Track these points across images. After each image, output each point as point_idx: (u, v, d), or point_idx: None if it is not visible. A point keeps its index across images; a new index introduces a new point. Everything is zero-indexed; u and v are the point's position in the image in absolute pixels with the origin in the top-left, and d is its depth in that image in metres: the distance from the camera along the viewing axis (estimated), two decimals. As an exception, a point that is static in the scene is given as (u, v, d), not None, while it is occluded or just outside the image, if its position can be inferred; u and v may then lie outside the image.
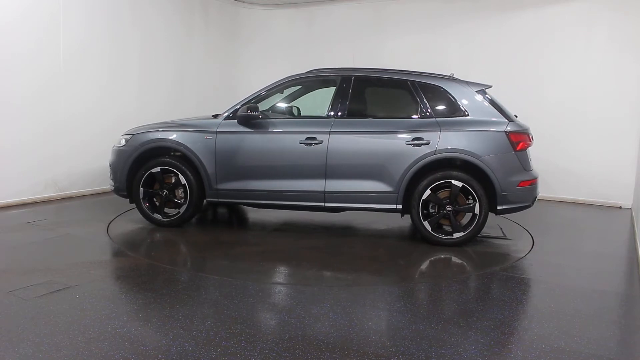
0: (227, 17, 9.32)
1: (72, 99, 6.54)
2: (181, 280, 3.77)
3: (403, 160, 4.75)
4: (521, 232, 5.54)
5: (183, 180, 5.11)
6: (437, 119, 4.83)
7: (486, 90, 5.03)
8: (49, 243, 4.59)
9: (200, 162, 5.06)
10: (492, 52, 7.86)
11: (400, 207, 4.83)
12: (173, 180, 5.16)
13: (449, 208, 4.73)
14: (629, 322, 3.34)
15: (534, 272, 4.34)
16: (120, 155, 5.27)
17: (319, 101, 5.66)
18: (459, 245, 4.77)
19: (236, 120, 5.08)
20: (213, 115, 5.45)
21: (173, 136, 5.16)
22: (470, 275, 4.13)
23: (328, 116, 5.03)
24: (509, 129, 4.72)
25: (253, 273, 3.96)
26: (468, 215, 4.82)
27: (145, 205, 5.21)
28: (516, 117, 5.10)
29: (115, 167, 5.29)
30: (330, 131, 4.89)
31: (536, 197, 4.89)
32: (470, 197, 4.75)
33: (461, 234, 4.75)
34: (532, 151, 5.00)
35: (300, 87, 5.58)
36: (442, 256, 4.57)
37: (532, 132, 4.98)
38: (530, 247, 4.99)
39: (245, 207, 6.42)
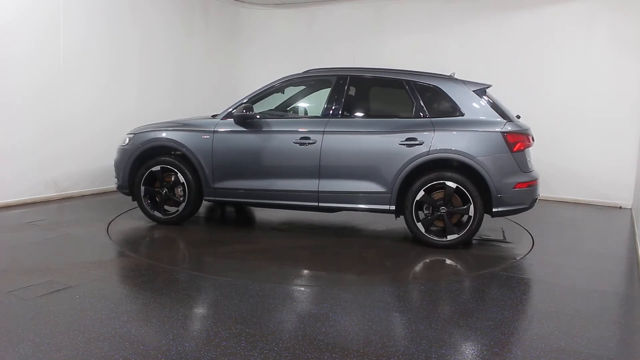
0: (227, 17, 9.32)
1: (72, 99, 6.54)
2: (181, 280, 3.77)
3: (396, 161, 4.70)
4: (521, 232, 5.54)
5: (182, 179, 5.20)
6: (431, 118, 4.76)
7: (485, 90, 4.94)
8: (49, 243, 4.59)
9: (198, 161, 5.13)
10: (492, 52, 7.86)
11: (393, 207, 4.77)
12: (172, 179, 5.26)
13: (443, 209, 4.66)
14: (629, 322, 3.34)
15: (534, 272, 4.34)
16: (123, 154, 5.41)
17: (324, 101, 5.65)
18: (453, 247, 4.70)
19: (233, 120, 5.13)
20: (212, 116, 5.49)
21: (172, 135, 5.25)
22: (470, 276, 4.13)
23: (323, 116, 5.04)
24: (505, 129, 4.62)
25: (253, 273, 3.96)
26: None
27: (146, 203, 5.32)
28: (519, 117, 5.06)
29: (118, 166, 5.44)
30: (324, 131, 4.88)
31: (535, 199, 4.79)
32: (465, 198, 4.65)
33: (455, 236, 4.67)
34: (532, 151, 4.94)
35: (304, 87, 5.60)
36: (442, 257, 4.56)
37: (533, 132, 4.90)
38: (531, 247, 4.98)
39: (253, 207, 6.43)
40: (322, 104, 5.13)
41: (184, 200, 5.23)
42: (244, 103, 5.14)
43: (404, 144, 4.69)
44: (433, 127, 4.70)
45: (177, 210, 5.27)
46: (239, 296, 3.42)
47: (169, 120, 5.78)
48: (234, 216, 6.19)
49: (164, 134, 5.29)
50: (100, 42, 6.87)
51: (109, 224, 5.30)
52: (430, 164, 4.69)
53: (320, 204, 4.95)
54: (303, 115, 5.76)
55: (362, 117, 5.19)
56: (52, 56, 6.26)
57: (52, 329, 2.82)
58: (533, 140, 4.88)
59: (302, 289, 3.65)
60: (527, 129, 4.81)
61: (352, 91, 5.16)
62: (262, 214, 6.14)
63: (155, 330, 2.87)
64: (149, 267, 3.99)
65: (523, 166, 4.67)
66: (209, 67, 8.94)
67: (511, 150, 4.59)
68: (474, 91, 4.83)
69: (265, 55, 9.45)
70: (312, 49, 9.11)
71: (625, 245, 5.26)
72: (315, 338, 2.83)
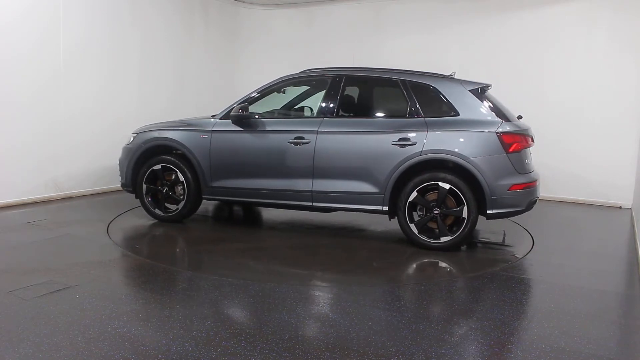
0: (227, 17, 9.32)
1: (72, 99, 6.54)
2: (181, 280, 3.77)
3: (389, 161, 4.63)
4: (521, 232, 5.54)
5: (181, 178, 5.29)
6: (426, 118, 4.67)
7: (484, 89, 4.84)
8: (49, 243, 4.59)
9: (197, 160, 5.21)
10: (493, 53, 7.85)
11: (386, 208, 4.72)
12: (173, 178, 5.36)
13: (436, 211, 4.57)
14: (629, 322, 3.34)
15: (534, 272, 4.34)
16: (127, 152, 5.54)
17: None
18: (447, 250, 4.62)
19: (230, 120, 5.16)
20: (212, 116, 5.52)
21: (172, 135, 5.35)
22: (470, 276, 4.12)
23: (318, 116, 5.04)
24: (500, 129, 4.50)
25: (253, 273, 3.96)
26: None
27: (147, 200, 5.43)
28: (520, 117, 4.99)
29: (122, 164, 5.57)
30: (317, 131, 4.87)
31: (533, 201, 4.69)
32: (459, 200, 4.53)
33: (448, 238, 4.56)
34: (532, 151, 4.92)
35: (302, 87, 5.61)
36: (442, 257, 4.55)
37: (533, 132, 4.87)
38: (531, 247, 4.98)
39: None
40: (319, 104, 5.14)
41: (184, 198, 5.31)
42: (241, 103, 5.18)
43: (396, 144, 4.64)
44: (426, 127, 4.62)
45: (177, 209, 5.37)
46: (239, 296, 3.42)
47: (173, 120, 5.89)
48: (241, 215, 6.21)
49: (164, 134, 5.39)
50: (100, 42, 6.87)
51: (109, 223, 5.31)
52: (423, 164, 4.60)
53: (314, 204, 4.94)
54: (300, 115, 5.76)
55: (357, 116, 5.16)
56: (52, 56, 6.26)
57: (52, 329, 2.82)
58: (533, 140, 4.81)
59: (302, 288, 3.64)
60: (524, 129, 4.69)
61: (347, 91, 5.14)
62: (268, 214, 6.15)
63: (155, 330, 2.87)
64: (149, 267, 3.99)
65: (519, 167, 4.55)
66: (209, 67, 8.94)
67: (507, 151, 4.47)
68: (470, 90, 4.73)
69: (265, 55, 9.45)
70: (312, 49, 9.10)
71: (625, 245, 5.26)
72: (315, 338, 2.83)
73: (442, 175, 4.55)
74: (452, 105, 4.68)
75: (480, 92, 4.79)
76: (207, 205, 6.45)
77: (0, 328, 2.82)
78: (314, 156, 4.85)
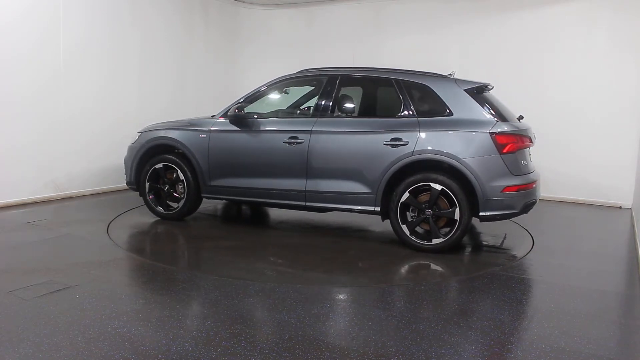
0: (227, 17, 9.32)
1: (72, 99, 6.54)
2: (181, 279, 3.76)
3: (381, 161, 4.58)
4: (521, 232, 5.54)
5: (182, 177, 5.38)
6: (418, 118, 4.60)
7: (482, 89, 4.77)
8: (49, 243, 4.59)
9: (196, 159, 5.29)
10: (492, 52, 7.85)
11: (378, 209, 4.67)
12: (174, 176, 5.45)
13: (428, 212, 4.49)
14: (629, 322, 3.34)
15: (534, 272, 4.33)
16: (131, 151, 5.66)
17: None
18: (439, 252, 4.52)
19: (228, 120, 5.21)
20: (212, 116, 5.56)
21: (173, 135, 5.44)
22: (470, 276, 4.12)
23: (312, 116, 5.05)
24: (494, 129, 4.38)
25: (253, 272, 3.96)
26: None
27: (149, 198, 5.54)
28: (521, 117, 4.96)
29: (127, 163, 5.70)
30: (311, 131, 4.87)
31: (529, 203, 4.56)
32: (452, 201, 4.45)
33: (440, 240, 4.48)
34: (532, 152, 4.91)
35: (299, 87, 5.61)
36: (442, 258, 4.53)
37: (533, 132, 4.83)
38: (531, 247, 4.98)
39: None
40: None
41: (184, 197, 5.40)
42: (239, 103, 5.21)
43: (388, 144, 4.58)
44: (419, 127, 4.55)
45: (178, 207, 5.47)
46: (239, 296, 3.42)
47: (176, 119, 5.99)
48: (248, 214, 6.22)
49: (166, 133, 5.48)
50: (100, 42, 6.87)
51: (109, 223, 5.31)
52: (416, 165, 4.53)
53: (308, 204, 4.95)
54: (296, 115, 5.75)
55: (350, 116, 5.10)
56: (52, 56, 6.26)
57: (52, 329, 2.82)
58: (532, 141, 4.75)
59: (303, 289, 3.64)
60: (521, 130, 4.58)
61: (342, 91, 5.12)
62: (274, 213, 6.17)
63: (155, 330, 2.87)
64: (149, 267, 3.99)
65: (514, 168, 4.42)
66: (209, 67, 8.93)
67: (500, 152, 4.36)
68: (465, 90, 4.63)
69: (265, 55, 9.45)
70: (312, 49, 9.10)
71: (625, 245, 5.26)
72: (315, 338, 2.83)
73: (434, 176, 4.46)
74: (446, 105, 4.61)
75: (477, 92, 4.71)
76: (216, 204, 6.48)
77: (0, 328, 2.82)
78: (308, 156, 4.85)
